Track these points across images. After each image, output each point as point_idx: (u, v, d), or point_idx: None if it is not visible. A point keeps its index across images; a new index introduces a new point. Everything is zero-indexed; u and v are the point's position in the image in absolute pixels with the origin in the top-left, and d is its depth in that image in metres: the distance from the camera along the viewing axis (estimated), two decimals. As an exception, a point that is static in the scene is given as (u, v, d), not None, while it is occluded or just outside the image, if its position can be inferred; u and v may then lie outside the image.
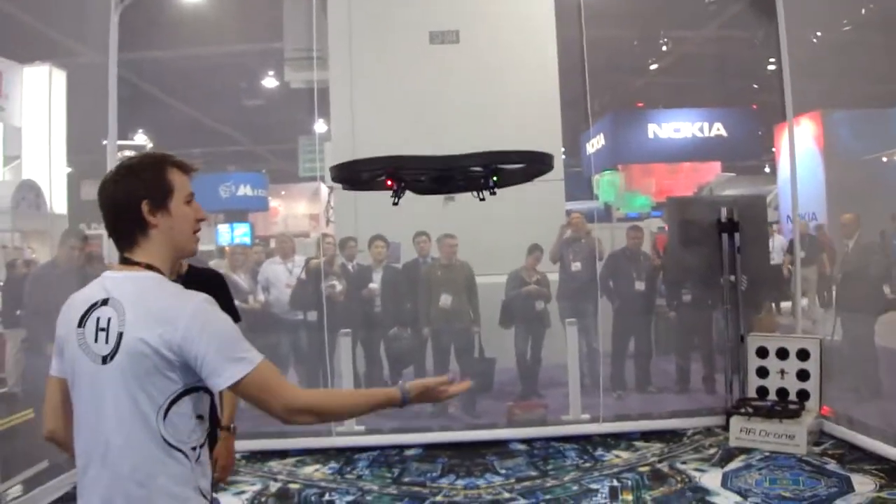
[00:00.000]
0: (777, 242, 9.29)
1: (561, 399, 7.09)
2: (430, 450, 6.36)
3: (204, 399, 1.87)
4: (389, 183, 2.76)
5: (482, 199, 2.83)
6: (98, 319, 1.81)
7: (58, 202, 9.86)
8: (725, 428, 6.39)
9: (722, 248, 6.76)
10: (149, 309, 1.78)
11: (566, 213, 9.09)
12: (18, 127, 9.54)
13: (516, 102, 8.57)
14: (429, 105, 8.31)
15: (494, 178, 2.72)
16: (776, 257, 8.71)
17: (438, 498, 5.26)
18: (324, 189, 15.28)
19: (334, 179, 3.09)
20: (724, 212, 6.74)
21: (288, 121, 14.82)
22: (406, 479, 5.70)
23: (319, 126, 14.37)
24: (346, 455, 6.23)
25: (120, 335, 1.77)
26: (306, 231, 19.40)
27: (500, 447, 6.38)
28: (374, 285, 7.60)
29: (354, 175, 3.00)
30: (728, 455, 5.91)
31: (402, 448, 6.41)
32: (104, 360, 1.78)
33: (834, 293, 7.63)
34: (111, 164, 8.82)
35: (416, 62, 8.64)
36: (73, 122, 9.37)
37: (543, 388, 7.69)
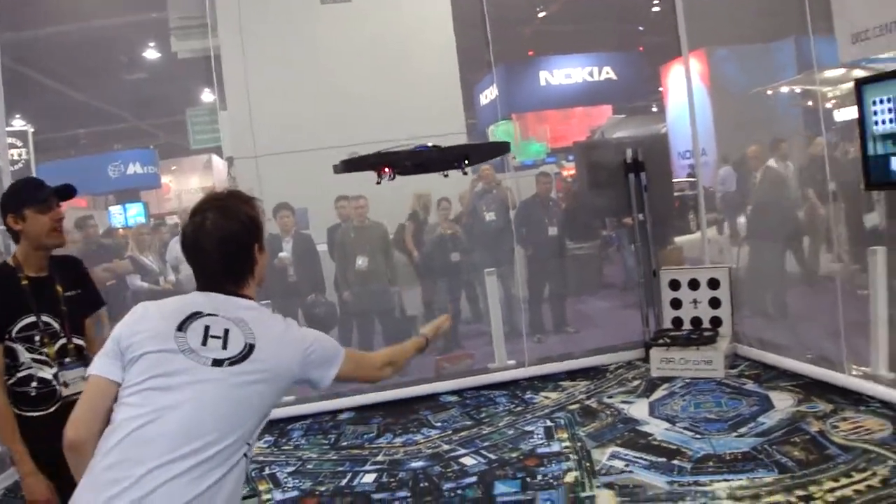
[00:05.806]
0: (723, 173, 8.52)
1: (484, 348, 7.20)
2: (363, 412, 6.37)
3: None
4: (387, 170, 3.40)
5: (446, 176, 3.48)
6: (207, 327, 1.91)
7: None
8: (645, 360, 6.66)
9: (629, 187, 6.94)
10: (279, 336, 1.99)
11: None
12: None
13: (414, 57, 8.49)
14: (324, 66, 8.13)
15: (466, 161, 3.46)
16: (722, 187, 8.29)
17: (379, 458, 5.28)
18: (216, 161, 14.79)
19: (337, 172, 3.69)
20: (629, 153, 6.91)
21: (173, 93, 14.19)
22: (344, 444, 5.69)
23: (206, 96, 13.83)
24: (279, 427, 6.17)
25: (250, 347, 1.90)
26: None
27: (431, 401, 6.45)
28: (285, 254, 7.47)
29: (357, 167, 3.59)
30: (651, 385, 6.16)
31: (334, 413, 6.40)
32: (217, 362, 1.86)
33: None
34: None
35: (308, 23, 8.42)
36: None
37: (465, 338, 7.78)
